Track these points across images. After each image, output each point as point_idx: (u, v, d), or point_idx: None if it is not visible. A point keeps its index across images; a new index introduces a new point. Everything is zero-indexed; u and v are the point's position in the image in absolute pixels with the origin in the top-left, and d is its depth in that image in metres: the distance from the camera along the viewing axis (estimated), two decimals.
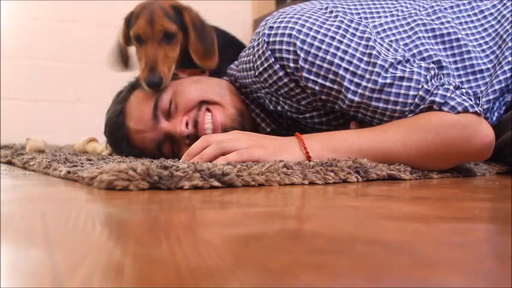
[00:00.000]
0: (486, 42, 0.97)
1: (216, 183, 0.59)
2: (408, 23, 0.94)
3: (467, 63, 0.93)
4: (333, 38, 0.82)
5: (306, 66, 0.82)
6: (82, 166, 0.71)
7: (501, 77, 0.92)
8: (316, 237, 0.33)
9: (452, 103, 0.77)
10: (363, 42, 0.82)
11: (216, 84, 0.98)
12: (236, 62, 1.02)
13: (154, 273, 0.23)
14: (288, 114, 0.95)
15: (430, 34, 0.94)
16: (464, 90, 0.80)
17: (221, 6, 2.84)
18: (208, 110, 0.94)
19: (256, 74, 0.88)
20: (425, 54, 0.91)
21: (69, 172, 0.67)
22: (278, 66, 0.84)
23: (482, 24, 0.99)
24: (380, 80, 0.79)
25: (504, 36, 0.96)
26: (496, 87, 0.92)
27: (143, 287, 0.22)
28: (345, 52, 0.81)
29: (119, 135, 0.99)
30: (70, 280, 0.22)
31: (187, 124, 0.92)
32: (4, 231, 0.32)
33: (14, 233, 0.33)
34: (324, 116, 0.91)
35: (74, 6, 2.54)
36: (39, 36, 2.49)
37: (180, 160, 0.77)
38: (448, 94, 0.78)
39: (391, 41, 0.90)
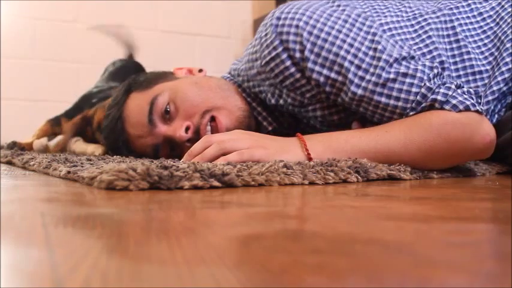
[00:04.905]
0: (485, 44, 0.97)
1: (216, 183, 0.59)
2: (419, 22, 0.97)
3: (467, 63, 0.94)
4: (339, 31, 0.83)
5: (312, 57, 0.83)
6: (82, 166, 0.71)
7: (499, 78, 0.93)
8: (316, 237, 0.33)
9: (453, 101, 0.78)
10: (369, 37, 0.83)
11: (217, 86, 0.96)
12: (240, 58, 1.02)
13: (155, 273, 0.23)
14: (290, 109, 0.94)
15: (437, 33, 0.95)
16: (465, 89, 0.80)
17: (221, 6, 2.84)
18: (212, 116, 0.91)
19: (263, 63, 0.88)
20: (435, 53, 0.92)
21: (69, 172, 0.67)
22: (286, 55, 0.85)
23: (481, 27, 0.99)
24: (384, 75, 0.80)
25: (502, 38, 0.96)
26: (495, 88, 0.92)
27: (143, 287, 0.21)
28: (351, 45, 0.82)
29: (120, 140, 0.97)
30: (70, 280, 0.22)
31: (187, 129, 0.90)
32: (4, 231, 0.32)
33: (14, 233, 0.33)
34: (327, 108, 0.91)
35: (74, 6, 2.54)
36: (39, 36, 2.49)
37: (181, 160, 0.77)
38: (450, 93, 0.78)
39: (396, 40, 0.90)
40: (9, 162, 1.03)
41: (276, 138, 0.81)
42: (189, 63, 2.32)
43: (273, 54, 0.86)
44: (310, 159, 0.77)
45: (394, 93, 0.80)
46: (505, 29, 0.97)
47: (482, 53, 0.96)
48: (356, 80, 0.82)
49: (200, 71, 1.04)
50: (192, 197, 0.52)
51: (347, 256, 0.27)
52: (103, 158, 0.90)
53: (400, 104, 0.80)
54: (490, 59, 0.96)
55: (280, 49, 0.85)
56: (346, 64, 0.82)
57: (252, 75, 0.94)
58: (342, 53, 0.82)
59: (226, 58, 2.67)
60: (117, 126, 0.96)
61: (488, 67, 0.95)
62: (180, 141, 0.90)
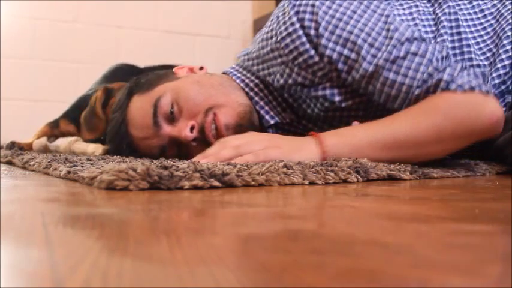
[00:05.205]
0: (484, 41, 0.99)
1: (216, 183, 0.59)
2: (430, 15, 1.00)
3: (466, 56, 0.97)
4: (354, 12, 0.87)
5: (326, 33, 0.86)
6: (82, 166, 0.71)
7: (494, 74, 0.95)
8: (316, 237, 0.33)
9: (459, 81, 0.80)
10: (383, 18, 0.87)
11: (218, 83, 0.97)
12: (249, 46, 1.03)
13: (155, 273, 0.23)
14: (298, 90, 0.94)
15: (441, 24, 0.97)
16: (472, 71, 0.82)
17: (221, 6, 2.84)
18: (214, 114, 0.91)
19: (279, 39, 0.90)
20: (442, 44, 0.95)
21: (69, 172, 0.67)
22: (302, 32, 0.88)
23: (481, 23, 1.01)
24: (394, 52, 0.83)
25: (501, 34, 0.98)
26: (490, 84, 0.94)
27: (143, 287, 0.21)
28: (365, 25, 0.86)
29: (124, 143, 0.97)
30: (70, 280, 0.22)
31: (192, 128, 0.90)
32: (4, 231, 0.32)
33: (14, 233, 0.33)
34: (336, 87, 0.92)
35: (74, 6, 2.54)
36: (39, 36, 2.49)
37: (193, 159, 0.76)
38: (455, 73, 0.81)
39: (409, 24, 0.93)
40: (9, 162, 1.03)
41: (289, 138, 0.83)
42: (189, 63, 2.32)
43: (290, 29, 0.88)
44: (324, 154, 0.77)
45: (402, 70, 0.83)
46: (504, 26, 0.99)
47: (480, 49, 0.98)
48: (368, 57, 0.85)
49: (201, 68, 1.03)
50: (192, 197, 0.52)
51: (347, 256, 0.27)
52: (103, 158, 0.90)
53: (407, 81, 0.83)
54: (488, 55, 0.97)
55: (297, 25, 0.88)
56: (359, 42, 0.85)
57: (264, 54, 0.96)
58: (356, 31, 0.85)
59: (226, 58, 2.67)
60: (120, 129, 0.97)
61: (486, 62, 0.97)
62: (186, 141, 0.90)
